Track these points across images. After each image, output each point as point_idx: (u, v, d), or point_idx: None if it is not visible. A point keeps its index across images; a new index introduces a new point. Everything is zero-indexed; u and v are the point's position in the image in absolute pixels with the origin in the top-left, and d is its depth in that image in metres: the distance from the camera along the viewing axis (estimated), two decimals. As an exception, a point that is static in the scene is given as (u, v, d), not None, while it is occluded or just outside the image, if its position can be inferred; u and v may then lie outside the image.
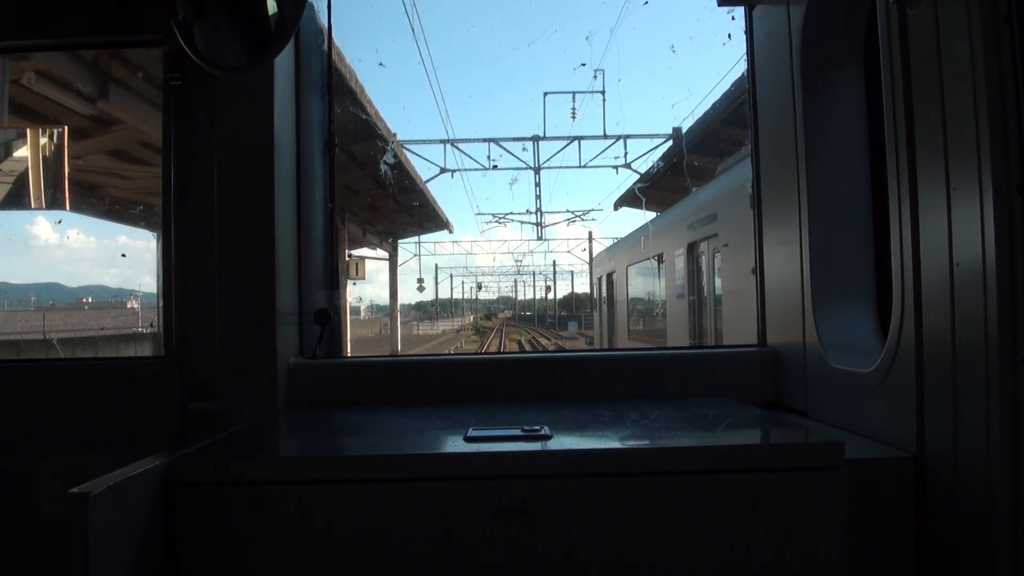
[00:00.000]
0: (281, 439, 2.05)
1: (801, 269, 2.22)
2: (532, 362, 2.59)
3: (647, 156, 15.72)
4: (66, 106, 6.58)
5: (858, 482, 1.57)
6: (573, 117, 19.81)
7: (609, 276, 18.36)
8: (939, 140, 1.53)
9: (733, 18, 2.77)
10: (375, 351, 26.56)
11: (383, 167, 11.32)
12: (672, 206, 13.15)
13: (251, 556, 1.53)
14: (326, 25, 2.71)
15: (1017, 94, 1.37)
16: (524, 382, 2.50)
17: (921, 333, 1.63)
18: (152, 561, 1.48)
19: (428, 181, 16.18)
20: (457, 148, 16.52)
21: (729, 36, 2.89)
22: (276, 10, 1.96)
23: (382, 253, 21.54)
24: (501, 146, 17.07)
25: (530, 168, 17.58)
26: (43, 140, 2.80)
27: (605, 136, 15.62)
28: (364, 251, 18.93)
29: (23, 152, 2.78)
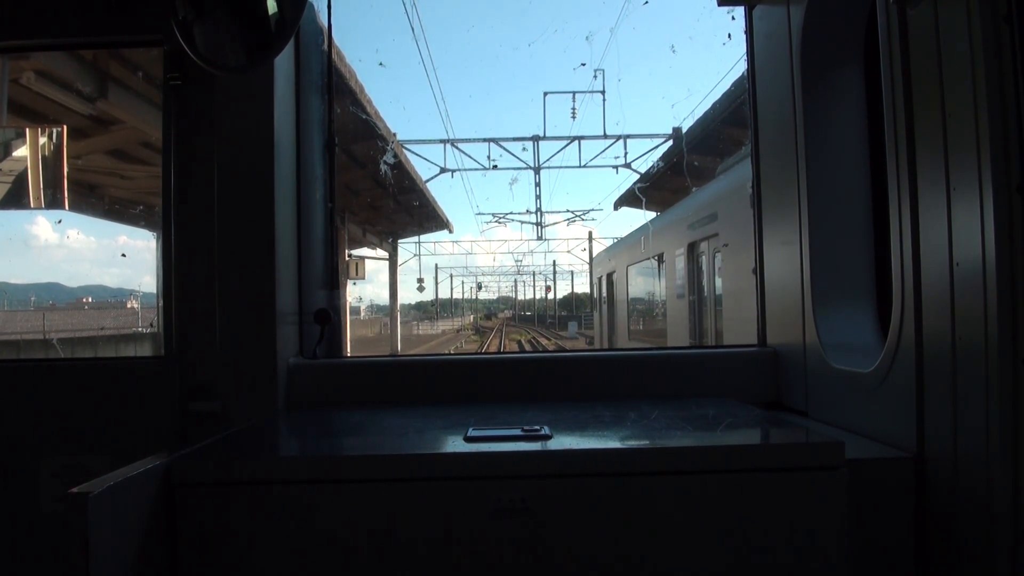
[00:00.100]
0: (281, 439, 2.05)
1: (801, 269, 2.22)
2: (532, 362, 2.59)
3: (647, 156, 15.75)
4: (65, 106, 6.58)
5: (858, 482, 1.57)
6: (573, 117, 19.84)
7: (609, 276, 18.37)
8: (939, 140, 1.53)
9: (733, 18, 2.77)
10: (375, 351, 26.57)
11: (383, 167, 11.32)
12: (672, 206, 13.16)
13: (251, 556, 1.53)
14: (326, 25, 2.71)
15: (1017, 94, 1.37)
16: (524, 382, 2.50)
17: (921, 333, 1.63)
18: (152, 561, 1.48)
19: (428, 181, 16.20)
20: (457, 148, 16.54)
21: (729, 36, 2.89)
22: (276, 10, 1.96)
23: (382, 253, 21.56)
24: (501, 146, 17.09)
25: (530, 168, 17.61)
26: (42, 140, 2.80)
27: (605, 136, 15.64)
28: (364, 251, 18.95)
29: (22, 152, 2.78)
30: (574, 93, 15.37)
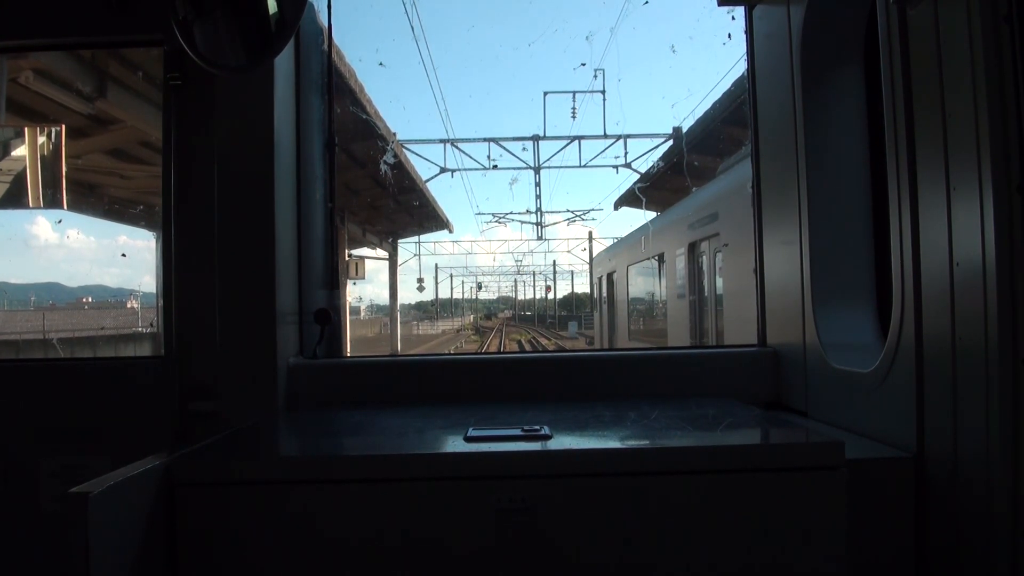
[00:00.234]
0: (281, 439, 2.05)
1: (801, 269, 2.22)
2: (532, 362, 2.59)
3: (647, 156, 15.73)
4: (64, 105, 6.57)
5: (858, 482, 1.57)
6: (573, 117, 19.85)
7: (609, 276, 18.36)
8: (939, 140, 1.53)
9: (733, 18, 2.77)
10: (375, 351, 26.57)
11: (383, 167, 11.31)
12: (672, 206, 13.15)
13: (251, 556, 1.53)
14: (326, 25, 2.71)
15: (1017, 94, 1.37)
16: (524, 382, 2.50)
17: (921, 333, 1.63)
18: (152, 561, 1.48)
19: (428, 181, 16.19)
20: (457, 148, 16.54)
21: (729, 36, 2.89)
22: (276, 10, 1.96)
23: (382, 253, 21.55)
24: (501, 146, 17.09)
25: (530, 168, 17.60)
26: (41, 139, 2.80)
27: (605, 136, 15.64)
28: (364, 251, 18.94)
29: (21, 151, 2.78)
30: (574, 93, 15.39)
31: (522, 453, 1.60)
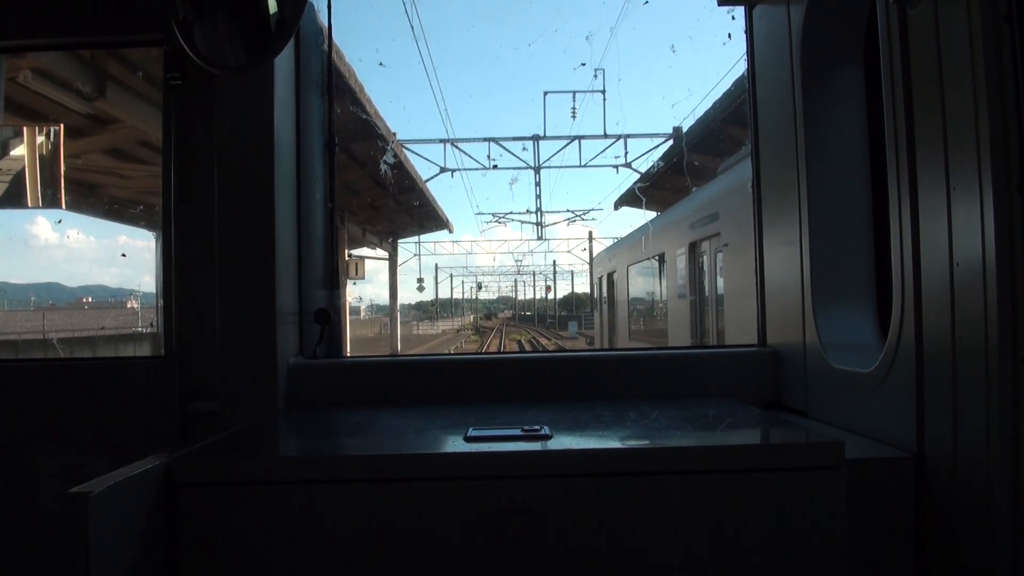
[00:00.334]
0: (281, 439, 2.05)
1: (801, 269, 2.22)
2: (532, 362, 2.59)
3: (647, 155, 15.71)
4: (63, 104, 6.56)
5: (858, 482, 1.57)
6: (573, 116, 19.85)
7: (610, 276, 18.36)
8: (939, 140, 1.53)
9: (733, 18, 2.77)
10: (375, 351, 26.56)
11: (383, 167, 11.31)
12: (673, 205, 13.15)
13: (251, 556, 1.53)
14: (326, 25, 2.71)
15: (1017, 94, 1.37)
16: (524, 382, 2.50)
17: (921, 333, 1.63)
18: (152, 561, 1.48)
19: (428, 181, 16.18)
20: (457, 148, 16.53)
21: (729, 36, 2.89)
22: (276, 10, 1.96)
23: (382, 253, 21.55)
24: (501, 145, 17.08)
25: (530, 168, 17.59)
26: (40, 139, 2.80)
27: (605, 135, 15.62)
28: (364, 251, 18.94)
29: (20, 151, 2.78)
30: (574, 93, 15.36)
31: (522, 453, 1.60)
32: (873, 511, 1.65)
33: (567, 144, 16.93)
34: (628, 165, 15.94)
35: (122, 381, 2.41)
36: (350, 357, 2.70)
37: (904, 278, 1.69)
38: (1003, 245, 1.36)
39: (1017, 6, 1.38)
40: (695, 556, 1.51)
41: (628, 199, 16.48)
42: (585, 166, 16.63)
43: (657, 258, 13.37)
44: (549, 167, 18.19)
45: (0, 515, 2.34)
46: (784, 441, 1.75)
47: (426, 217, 18.75)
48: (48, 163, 2.77)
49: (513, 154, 17.14)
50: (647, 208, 15.04)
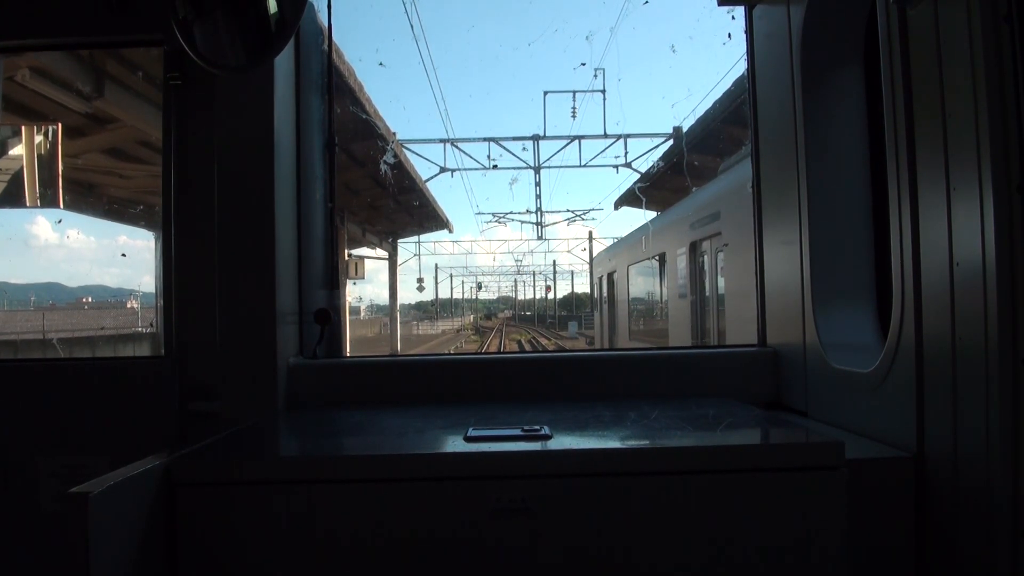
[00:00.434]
0: (281, 439, 2.05)
1: (801, 269, 2.22)
2: (532, 362, 2.58)
3: (647, 155, 15.69)
4: (61, 103, 6.55)
5: (858, 482, 1.57)
6: (573, 116, 19.84)
7: (610, 276, 18.36)
8: (939, 140, 1.53)
9: (733, 18, 2.77)
10: (375, 351, 26.55)
11: (383, 166, 11.29)
12: (673, 205, 13.15)
13: (251, 556, 1.53)
14: (326, 25, 2.71)
15: (1017, 94, 1.37)
16: (524, 382, 2.50)
17: (921, 333, 1.63)
18: (152, 561, 1.48)
19: (428, 181, 16.16)
20: (457, 148, 16.52)
21: (729, 36, 2.89)
22: (276, 10, 1.96)
23: (382, 253, 21.54)
24: (501, 145, 17.08)
25: (530, 167, 17.59)
26: (38, 138, 2.80)
27: (605, 135, 15.60)
28: (364, 251, 18.93)
29: (18, 150, 2.78)
30: (574, 92, 15.34)
31: (522, 453, 1.60)
32: (873, 511, 1.65)
33: (567, 144, 16.93)
34: (628, 165, 15.94)
35: (122, 381, 2.41)
36: (350, 357, 2.69)
37: (904, 278, 1.69)
38: (1003, 245, 1.36)
39: (1017, 6, 1.38)
40: (695, 556, 1.51)
41: (628, 199, 16.47)
42: (585, 166, 16.64)
43: (657, 258, 13.36)
44: (549, 167, 18.20)
45: (0, 515, 2.34)
46: (784, 441, 1.75)
47: (426, 217, 18.75)
48: (46, 162, 2.77)
49: (513, 154, 17.15)
50: (647, 208, 15.04)
